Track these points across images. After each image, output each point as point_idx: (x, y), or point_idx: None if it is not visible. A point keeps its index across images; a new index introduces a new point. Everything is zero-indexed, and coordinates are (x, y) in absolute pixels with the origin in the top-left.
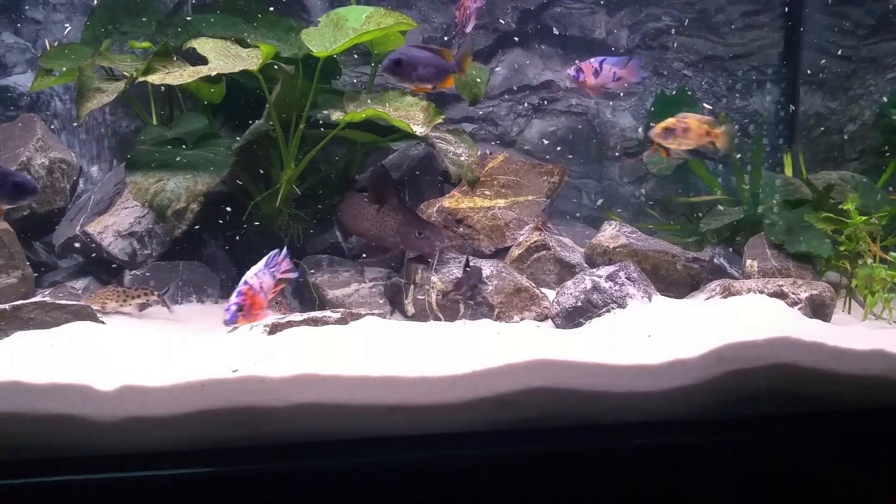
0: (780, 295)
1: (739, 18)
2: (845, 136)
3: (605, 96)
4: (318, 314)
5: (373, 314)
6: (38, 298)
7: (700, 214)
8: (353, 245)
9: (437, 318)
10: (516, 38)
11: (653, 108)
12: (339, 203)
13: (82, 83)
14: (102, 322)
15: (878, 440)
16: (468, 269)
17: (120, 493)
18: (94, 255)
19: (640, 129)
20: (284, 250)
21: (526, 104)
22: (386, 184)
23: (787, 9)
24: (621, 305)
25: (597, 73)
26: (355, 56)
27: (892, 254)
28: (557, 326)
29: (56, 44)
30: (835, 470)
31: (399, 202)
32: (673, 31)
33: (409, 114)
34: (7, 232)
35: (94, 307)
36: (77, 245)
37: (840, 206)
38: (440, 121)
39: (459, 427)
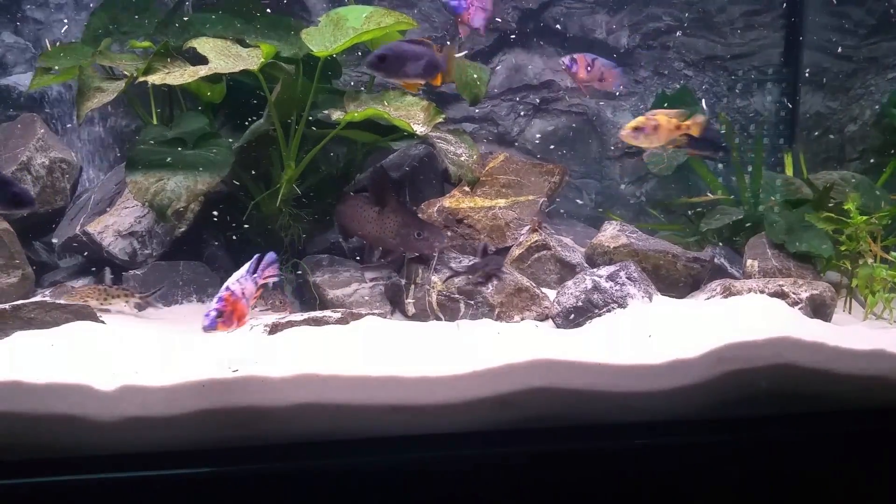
0: (781, 295)
1: (740, 18)
2: (846, 136)
3: (605, 96)
4: (318, 314)
5: (373, 314)
6: (38, 298)
7: (694, 211)
8: (354, 245)
9: (437, 318)
10: (516, 38)
11: (653, 108)
12: (339, 205)
13: (82, 82)
14: (102, 322)
15: (878, 440)
16: (487, 255)
17: (120, 493)
18: (85, 252)
19: None
20: (270, 255)
21: (527, 103)
22: (385, 185)
23: (787, 8)
24: (622, 305)
25: (589, 69)
26: (359, 53)
27: (893, 253)
28: (558, 326)
29: (57, 44)
30: (835, 470)
31: (398, 203)
32: (674, 31)
33: (410, 113)
34: (7, 232)
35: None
36: (75, 245)
37: (841, 206)
38: (440, 120)
39: (460, 427)
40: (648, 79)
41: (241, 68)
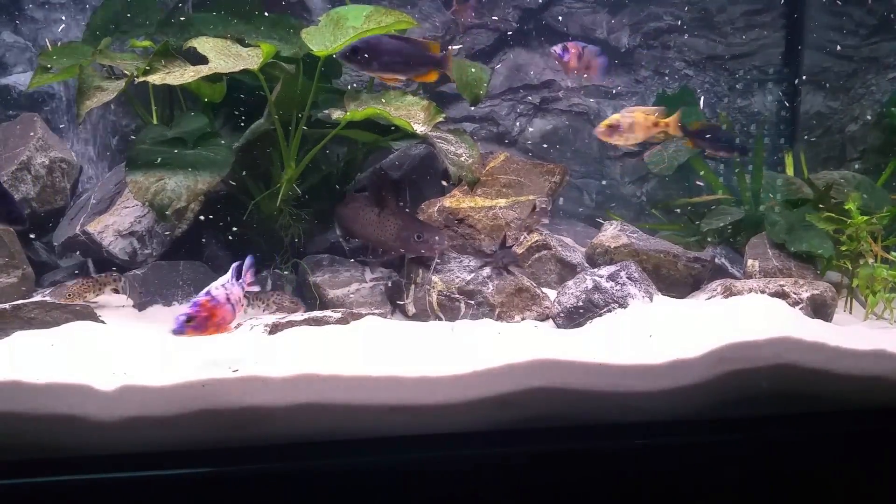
0: (782, 295)
1: (741, 18)
2: (847, 136)
3: (603, 95)
4: (318, 314)
5: (373, 314)
6: (38, 298)
7: (694, 210)
8: (355, 245)
9: (438, 318)
10: (517, 38)
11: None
12: (340, 207)
13: (82, 81)
14: (102, 322)
15: (879, 440)
16: (505, 247)
17: (120, 493)
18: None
19: None
20: (249, 260)
21: (527, 103)
22: (384, 187)
23: (788, 8)
24: (622, 305)
25: (580, 57)
26: None
27: (894, 253)
28: (559, 326)
29: (58, 44)
30: (836, 470)
31: (398, 206)
32: (675, 30)
33: (410, 112)
34: (7, 231)
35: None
36: (76, 244)
37: (842, 206)
38: (441, 119)
39: (460, 427)
40: (649, 78)
41: (242, 68)
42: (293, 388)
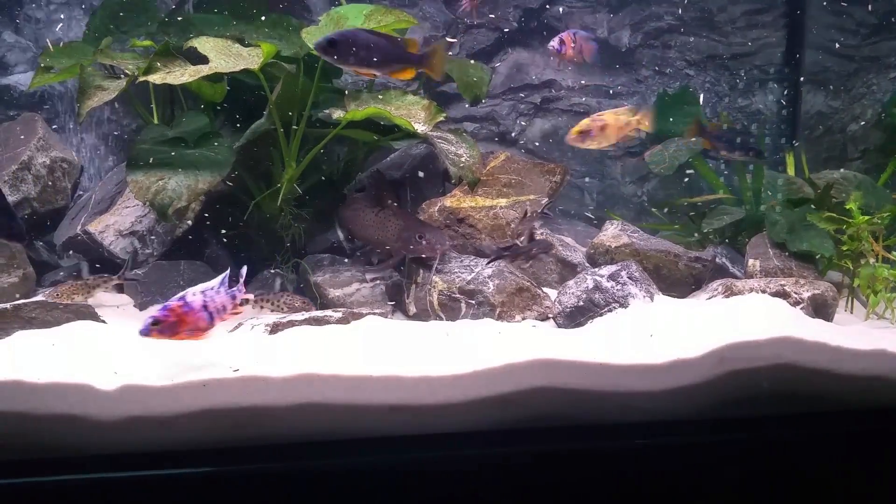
0: (783, 294)
1: (742, 17)
2: (848, 135)
3: (602, 94)
4: (319, 314)
5: (374, 314)
6: (39, 298)
7: (692, 208)
8: (356, 246)
9: (438, 318)
10: (518, 37)
11: (655, 108)
12: (341, 208)
13: (83, 81)
14: (103, 321)
15: (880, 440)
16: (534, 239)
17: (121, 493)
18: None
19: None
20: (244, 270)
21: (528, 103)
22: (384, 189)
23: (789, 8)
24: (623, 305)
25: (573, 45)
26: None
27: (895, 253)
28: (559, 326)
29: (61, 44)
30: (837, 470)
31: (399, 207)
32: (675, 30)
33: (411, 112)
34: None
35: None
36: (77, 244)
37: (843, 206)
38: (441, 119)
39: (461, 427)
40: (650, 78)
41: (242, 67)
42: (294, 387)
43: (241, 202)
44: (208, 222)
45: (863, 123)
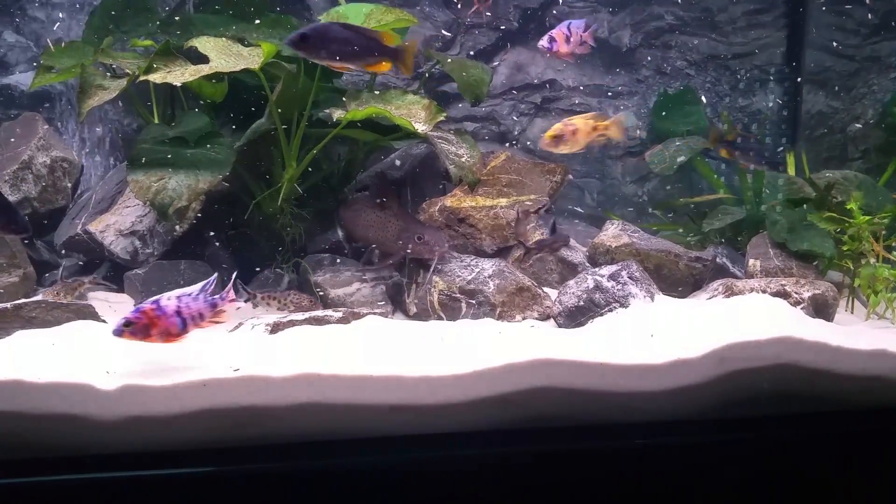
0: (783, 294)
1: (742, 17)
2: (848, 135)
3: (603, 94)
4: (319, 313)
5: (374, 313)
6: (39, 297)
7: (693, 208)
8: (358, 247)
9: (439, 318)
10: (518, 37)
11: (655, 108)
12: (342, 210)
13: (84, 80)
14: (104, 321)
15: (880, 440)
16: (555, 231)
17: (121, 493)
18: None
19: (639, 130)
20: (233, 277)
21: (529, 102)
22: (386, 190)
23: (789, 8)
24: (624, 305)
25: (567, 39)
26: None
27: (895, 253)
28: (560, 326)
29: (62, 44)
30: (837, 470)
31: (399, 208)
32: (676, 30)
33: (411, 112)
34: None
35: None
36: (76, 244)
37: (843, 206)
38: (442, 119)
39: (461, 427)
40: (650, 78)
41: (243, 67)
42: (294, 387)
43: (242, 202)
44: (209, 222)
45: (863, 123)
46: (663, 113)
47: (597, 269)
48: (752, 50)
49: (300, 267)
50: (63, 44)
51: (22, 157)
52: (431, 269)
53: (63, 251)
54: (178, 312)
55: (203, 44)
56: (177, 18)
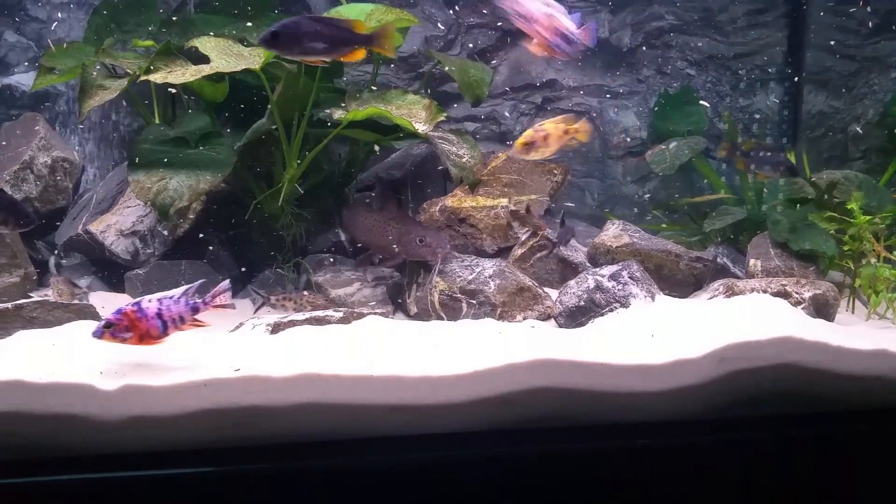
0: (784, 294)
1: (743, 17)
2: (849, 135)
3: (603, 94)
4: (320, 313)
5: (375, 313)
6: (39, 297)
7: (691, 205)
8: (359, 248)
9: (439, 318)
10: (519, 37)
11: (656, 108)
12: (343, 211)
13: (85, 80)
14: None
15: (881, 440)
16: (565, 225)
17: (121, 493)
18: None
19: (638, 130)
20: (224, 283)
21: (529, 102)
22: (386, 193)
23: (790, 7)
24: (624, 305)
25: (551, 31)
26: None
27: None
28: (560, 326)
29: (64, 45)
30: (838, 470)
31: (399, 210)
32: (676, 30)
33: (411, 112)
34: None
35: None
36: (77, 244)
37: (844, 206)
38: (442, 119)
39: (462, 427)
40: (651, 78)
41: (243, 67)
42: (295, 387)
43: (243, 202)
44: (209, 222)
45: (864, 123)
46: (664, 113)
47: (597, 269)
48: (752, 50)
49: (301, 267)
50: (64, 44)
51: (23, 158)
52: (434, 271)
53: (62, 251)
54: (160, 315)
55: (204, 44)
56: (177, 18)
